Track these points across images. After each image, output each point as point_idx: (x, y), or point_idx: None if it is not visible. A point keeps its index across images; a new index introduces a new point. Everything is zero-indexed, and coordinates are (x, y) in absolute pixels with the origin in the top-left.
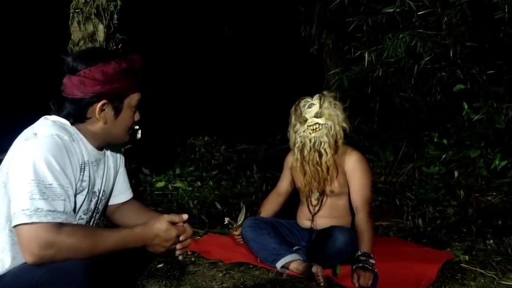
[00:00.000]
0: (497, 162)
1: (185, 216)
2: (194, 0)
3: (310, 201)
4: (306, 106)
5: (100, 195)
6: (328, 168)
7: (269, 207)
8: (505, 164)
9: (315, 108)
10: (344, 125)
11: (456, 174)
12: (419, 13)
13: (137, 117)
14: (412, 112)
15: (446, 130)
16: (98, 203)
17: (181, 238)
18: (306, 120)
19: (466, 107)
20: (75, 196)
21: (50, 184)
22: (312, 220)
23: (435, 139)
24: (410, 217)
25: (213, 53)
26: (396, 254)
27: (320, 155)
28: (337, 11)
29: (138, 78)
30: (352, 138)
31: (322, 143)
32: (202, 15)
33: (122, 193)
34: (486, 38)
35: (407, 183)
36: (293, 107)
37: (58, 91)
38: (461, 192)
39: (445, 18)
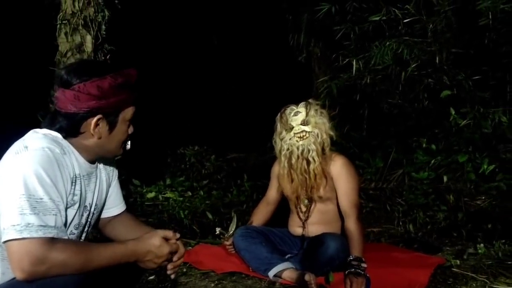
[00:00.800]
0: (485, 167)
1: (178, 234)
2: (183, 10)
3: (300, 208)
4: (292, 114)
5: (92, 209)
6: (315, 176)
7: (260, 216)
8: (493, 168)
9: (302, 116)
10: (331, 133)
11: (445, 179)
12: (404, 21)
13: (131, 130)
14: (400, 118)
15: (434, 135)
16: (90, 217)
17: (174, 258)
18: (293, 127)
19: (453, 112)
20: (66, 210)
21: (41, 199)
22: (303, 227)
23: (424, 145)
24: (401, 223)
25: (202, 63)
26: (388, 260)
27: (308, 163)
28: (325, 20)
29: (133, 92)
30: (342, 145)
31: (310, 151)
32: (190, 25)
33: (114, 206)
34: (471, 44)
35: (397, 189)
36: (279, 114)
37: (45, 103)
38: (451, 196)
39: (431, 25)
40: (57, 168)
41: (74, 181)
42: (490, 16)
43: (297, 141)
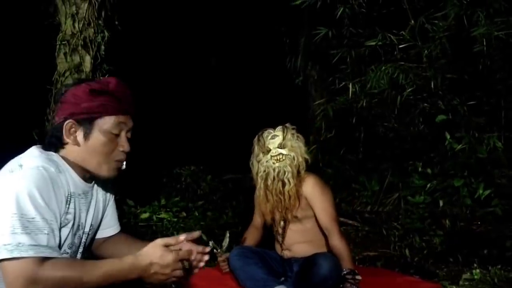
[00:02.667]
0: (480, 191)
1: (182, 237)
2: (182, 31)
3: (277, 230)
4: (269, 137)
5: (87, 229)
6: (290, 197)
7: (251, 238)
8: (489, 193)
9: (279, 139)
10: (306, 156)
11: (441, 203)
12: (400, 46)
13: (123, 147)
14: (396, 142)
15: (430, 159)
16: (84, 237)
17: (192, 257)
18: (270, 150)
19: (448, 137)
20: (60, 229)
21: (33, 218)
22: (285, 248)
23: (419, 169)
24: (397, 247)
25: (200, 84)
26: (384, 285)
27: (283, 185)
28: (322, 44)
29: (112, 101)
30: (338, 168)
31: (286, 173)
32: (189, 46)
33: (109, 227)
34: (465, 70)
35: (393, 213)
36: (256, 137)
37: (42, 121)
38: (447, 221)
39: (426, 51)
40: (51, 188)
41: (68, 199)
42: (485, 43)
43: (273, 163)
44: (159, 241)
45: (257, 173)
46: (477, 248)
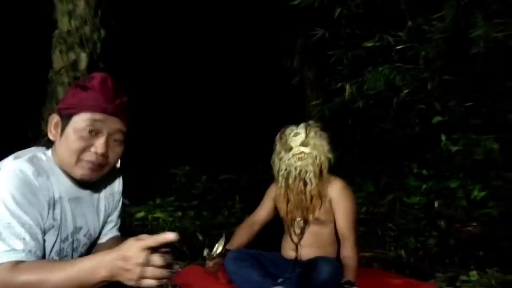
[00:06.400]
0: (476, 193)
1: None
2: (179, 31)
3: (294, 230)
4: (292, 135)
5: (81, 237)
6: (312, 197)
7: (244, 236)
8: (484, 194)
9: (301, 137)
10: (329, 155)
11: (436, 204)
12: (397, 47)
13: (97, 148)
14: (392, 143)
15: (425, 161)
16: (78, 245)
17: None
18: (291, 148)
19: (444, 138)
20: (44, 234)
21: (8, 223)
22: (296, 250)
23: (415, 170)
24: (392, 248)
25: (196, 84)
26: (380, 286)
27: (305, 184)
28: (319, 45)
29: (92, 98)
30: (333, 169)
31: (308, 172)
32: (185, 46)
33: (109, 234)
34: (462, 71)
35: (388, 214)
36: (278, 134)
37: (37, 120)
38: (442, 222)
39: (423, 52)
40: (27, 191)
41: (52, 204)
42: (482, 44)
43: (295, 161)
44: (130, 238)
45: (278, 171)
46: (474, 250)
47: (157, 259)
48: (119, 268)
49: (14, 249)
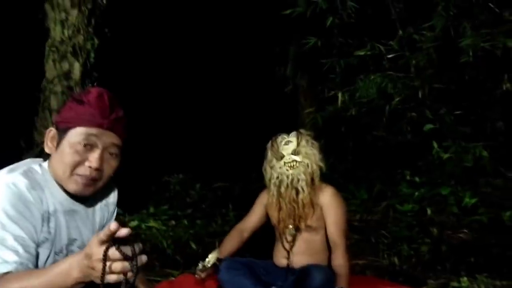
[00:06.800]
0: (467, 200)
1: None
2: (172, 40)
3: (285, 237)
4: (283, 143)
5: (76, 249)
6: (304, 206)
7: (233, 243)
8: (475, 201)
9: (292, 146)
10: (321, 164)
11: (428, 211)
12: (388, 56)
13: (91, 163)
14: (384, 150)
15: (418, 168)
16: None
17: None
18: (283, 156)
19: (435, 146)
20: (37, 246)
21: (1, 236)
22: (288, 257)
23: (407, 177)
24: (386, 255)
25: (189, 92)
26: None
27: (297, 192)
28: (311, 53)
29: (88, 113)
30: (327, 176)
31: (300, 181)
32: (178, 55)
33: None
34: (452, 80)
35: (382, 221)
36: (270, 142)
37: (30, 129)
38: (434, 229)
39: (413, 61)
40: (21, 205)
41: (46, 217)
42: (471, 54)
43: (287, 170)
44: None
45: (269, 179)
46: (464, 256)
47: (113, 252)
48: (86, 267)
49: (6, 261)
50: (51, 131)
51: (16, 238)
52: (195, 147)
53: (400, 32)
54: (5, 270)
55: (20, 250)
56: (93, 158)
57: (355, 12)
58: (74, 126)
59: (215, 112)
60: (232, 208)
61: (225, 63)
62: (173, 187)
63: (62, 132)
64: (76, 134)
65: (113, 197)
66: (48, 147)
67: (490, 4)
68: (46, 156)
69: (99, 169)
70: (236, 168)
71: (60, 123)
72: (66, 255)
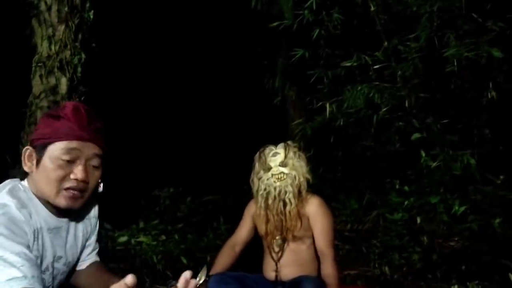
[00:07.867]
0: (456, 208)
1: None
2: (159, 53)
3: (273, 248)
4: (271, 154)
5: (60, 265)
6: (291, 218)
7: (226, 259)
8: (464, 209)
9: (280, 157)
10: (308, 176)
11: (418, 220)
12: (375, 67)
13: (76, 175)
14: (373, 160)
15: (407, 177)
16: (57, 273)
17: None
18: (271, 168)
19: (423, 155)
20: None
21: (1, 256)
22: (277, 269)
23: (397, 186)
24: (377, 265)
25: (178, 105)
26: None
27: (285, 205)
28: (299, 65)
29: (66, 127)
30: (317, 187)
31: (287, 193)
32: (166, 68)
33: (88, 259)
34: (438, 89)
35: (372, 231)
36: (257, 154)
37: (16, 144)
38: (425, 238)
39: (399, 71)
40: (13, 225)
41: (36, 235)
42: (455, 63)
43: (274, 181)
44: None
45: (257, 191)
46: (455, 264)
47: None
48: None
49: (14, 277)
50: (28, 150)
51: (18, 254)
52: (185, 160)
53: (386, 43)
54: (23, 286)
55: (25, 265)
56: (78, 170)
57: (341, 24)
58: (53, 141)
59: (204, 125)
60: (224, 221)
61: (214, 76)
62: (163, 201)
63: (40, 149)
64: (57, 149)
65: (94, 210)
66: (27, 166)
67: (473, 14)
68: (24, 176)
69: (85, 181)
70: (226, 181)
71: (37, 141)
72: (52, 272)
